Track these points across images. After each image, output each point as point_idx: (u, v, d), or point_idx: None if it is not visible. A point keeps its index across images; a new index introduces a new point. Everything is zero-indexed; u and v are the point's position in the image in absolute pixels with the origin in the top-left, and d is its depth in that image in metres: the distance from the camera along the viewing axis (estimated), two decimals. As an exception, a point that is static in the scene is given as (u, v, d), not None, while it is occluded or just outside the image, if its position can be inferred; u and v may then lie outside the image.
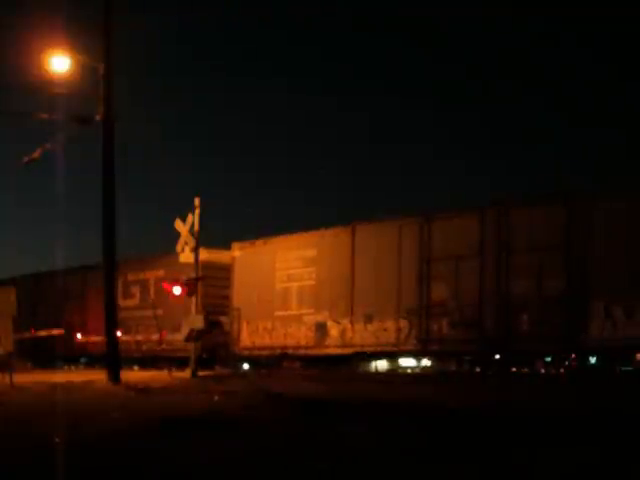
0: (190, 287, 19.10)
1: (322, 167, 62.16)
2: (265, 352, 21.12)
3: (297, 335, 20.50)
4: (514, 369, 17.21)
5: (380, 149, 59.48)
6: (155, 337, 24.39)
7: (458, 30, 53.59)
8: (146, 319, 24.51)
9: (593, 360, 16.14)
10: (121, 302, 26.23)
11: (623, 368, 15.65)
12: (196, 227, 18.91)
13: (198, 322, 18.75)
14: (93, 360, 27.07)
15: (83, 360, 27.98)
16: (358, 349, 19.19)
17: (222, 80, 64.10)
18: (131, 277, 25.64)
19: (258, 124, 59.41)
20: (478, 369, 17.65)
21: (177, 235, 19.46)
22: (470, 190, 55.22)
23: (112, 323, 16.75)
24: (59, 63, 16.80)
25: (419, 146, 56.17)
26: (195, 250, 19.04)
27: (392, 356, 19.37)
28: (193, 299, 19.83)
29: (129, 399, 12.24)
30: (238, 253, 22.32)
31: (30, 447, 6.92)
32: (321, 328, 19.94)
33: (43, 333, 27.25)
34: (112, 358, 16.51)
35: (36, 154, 17.94)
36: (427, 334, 17.81)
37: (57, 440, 7.09)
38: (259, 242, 22.02)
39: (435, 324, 17.72)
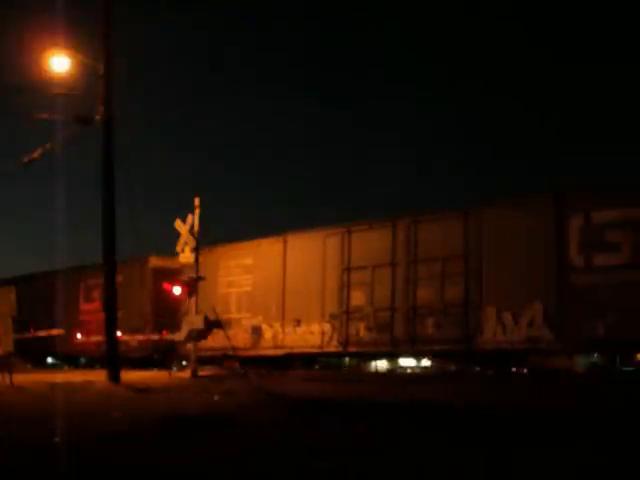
0: (191, 288, 19.54)
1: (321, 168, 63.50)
2: (208, 353, 22.55)
3: (236, 337, 21.95)
4: (514, 369, 18.04)
5: (378, 150, 60.84)
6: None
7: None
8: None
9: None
10: (82, 305, 27.98)
11: (624, 368, 16.50)
12: (196, 227, 19.12)
13: (198, 322, 19.05)
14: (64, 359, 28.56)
15: (83, 360, 28.52)
16: (288, 350, 20.69)
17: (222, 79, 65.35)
18: (91, 282, 26.64)
19: (258, 125, 60.64)
20: (478, 369, 18.44)
21: (177, 235, 19.51)
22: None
23: (112, 323, 16.80)
24: (59, 63, 16.94)
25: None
26: (195, 250, 19.29)
27: (317, 357, 20.87)
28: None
29: (129, 399, 12.28)
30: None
31: (30, 447, 6.96)
32: (257, 331, 21.46)
33: (43, 333, 27.77)
34: (112, 358, 16.49)
35: (36, 154, 18.07)
36: (347, 337, 19.29)
37: (57, 440, 7.15)
38: (204, 250, 23.42)
39: (353, 328, 19.19)
